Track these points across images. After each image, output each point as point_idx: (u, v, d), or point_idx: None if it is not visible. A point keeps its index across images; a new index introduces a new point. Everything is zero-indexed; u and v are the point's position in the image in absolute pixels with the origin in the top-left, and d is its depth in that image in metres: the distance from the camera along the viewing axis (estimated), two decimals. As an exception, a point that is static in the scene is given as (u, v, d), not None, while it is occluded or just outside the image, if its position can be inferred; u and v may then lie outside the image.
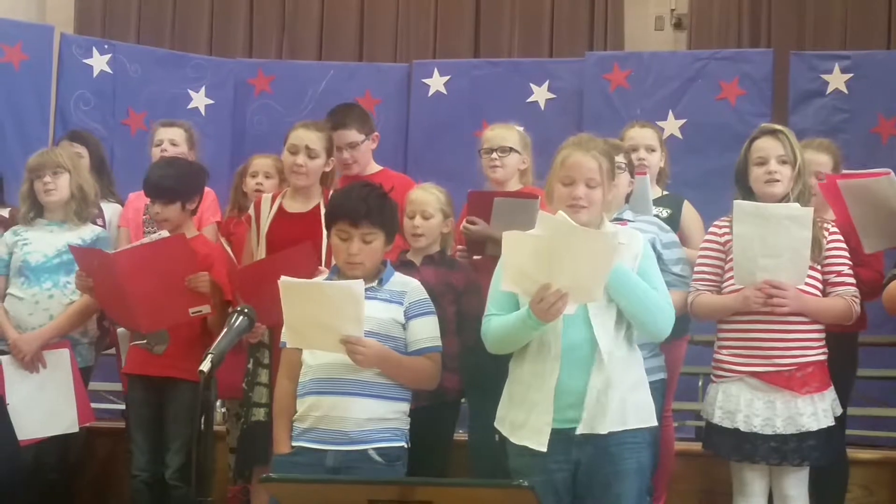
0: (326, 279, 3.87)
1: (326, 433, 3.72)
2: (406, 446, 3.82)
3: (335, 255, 3.87)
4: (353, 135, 4.91)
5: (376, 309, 3.76)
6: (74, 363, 4.76)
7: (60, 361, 4.74)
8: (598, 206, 3.61)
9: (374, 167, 5.04)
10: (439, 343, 3.88)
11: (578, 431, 3.51)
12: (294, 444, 3.79)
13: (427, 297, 3.91)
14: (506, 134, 4.76)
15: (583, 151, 3.63)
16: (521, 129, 4.86)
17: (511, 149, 4.71)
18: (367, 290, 3.73)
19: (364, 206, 3.80)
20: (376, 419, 3.74)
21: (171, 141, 5.45)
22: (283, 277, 3.69)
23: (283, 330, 3.76)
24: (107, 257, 4.56)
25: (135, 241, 5.12)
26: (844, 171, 4.45)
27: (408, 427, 3.85)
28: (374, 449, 3.72)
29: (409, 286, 3.88)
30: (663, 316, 3.63)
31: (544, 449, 3.51)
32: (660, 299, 3.61)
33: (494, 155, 4.71)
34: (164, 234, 4.58)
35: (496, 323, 3.65)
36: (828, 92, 6.62)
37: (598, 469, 3.54)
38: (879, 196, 4.17)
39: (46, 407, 4.71)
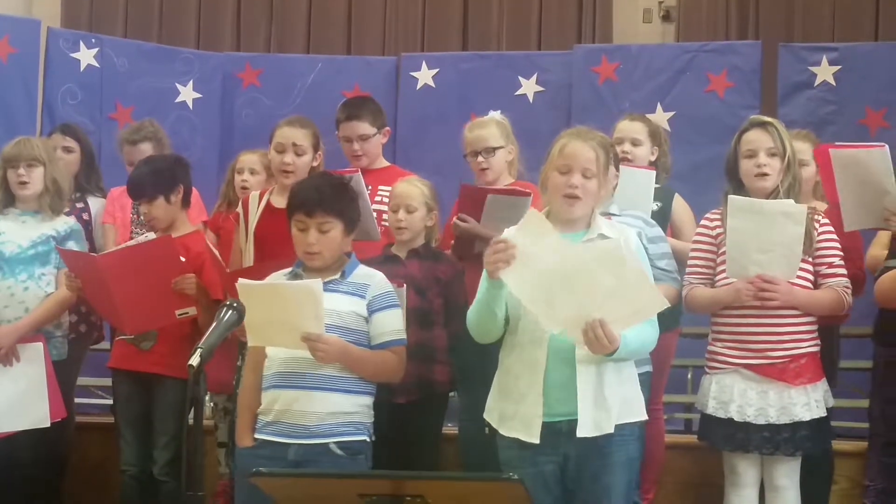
0: (290, 272, 3.87)
1: (288, 427, 3.75)
2: (369, 440, 3.83)
3: (296, 246, 3.87)
4: (365, 127, 4.90)
5: (338, 302, 3.77)
6: (48, 357, 4.70)
7: (34, 355, 4.68)
8: (592, 198, 3.59)
9: (383, 162, 5.03)
10: (404, 336, 3.89)
11: (581, 434, 3.48)
12: (257, 436, 3.82)
13: (391, 289, 3.91)
14: (485, 134, 4.70)
15: (581, 141, 3.62)
16: (498, 116, 4.81)
17: (495, 148, 4.69)
18: (328, 283, 3.77)
19: (317, 195, 3.82)
20: (338, 413, 3.76)
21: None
22: (240, 280, 3.71)
23: (246, 330, 3.75)
24: (92, 260, 4.55)
25: (121, 240, 5.12)
26: (838, 143, 4.45)
27: (371, 421, 3.86)
28: (336, 443, 3.74)
29: (372, 279, 3.88)
30: (647, 348, 3.67)
31: (536, 441, 3.49)
32: (644, 337, 3.58)
33: (480, 158, 4.69)
34: (151, 235, 4.56)
35: (473, 306, 3.64)
36: (816, 84, 6.64)
37: (587, 462, 3.52)
38: (870, 170, 4.14)
39: (18, 401, 4.64)
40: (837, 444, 4.64)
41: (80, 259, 4.62)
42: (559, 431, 3.51)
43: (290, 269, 3.89)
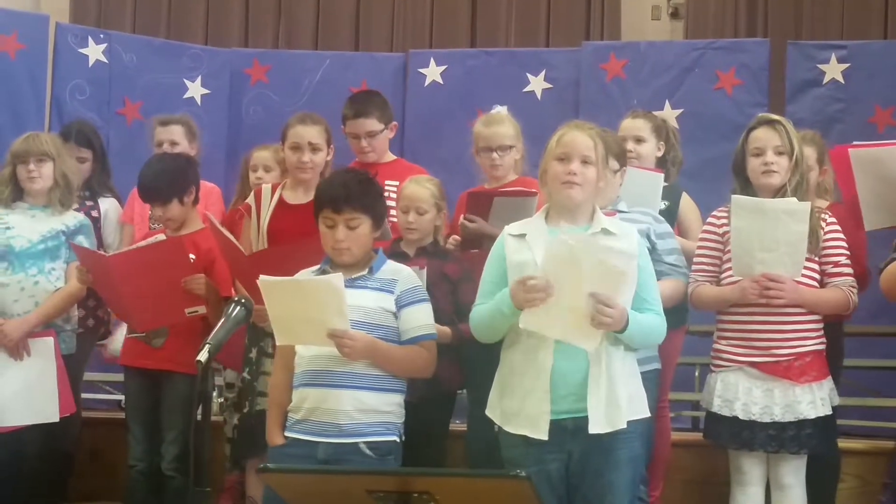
0: (318, 269, 3.86)
1: (318, 425, 3.72)
2: (399, 441, 3.81)
3: (323, 243, 3.86)
4: (373, 123, 4.91)
5: (365, 298, 3.75)
6: (58, 352, 4.73)
7: (45, 350, 4.70)
8: (591, 186, 3.60)
9: (390, 156, 5.05)
10: (434, 331, 3.88)
11: (594, 431, 3.48)
12: (287, 434, 3.79)
13: (420, 284, 3.90)
14: (502, 131, 4.69)
15: (579, 130, 3.65)
16: (504, 111, 4.81)
17: (510, 147, 4.69)
18: (356, 278, 3.76)
19: (345, 191, 3.80)
20: (369, 411, 3.72)
21: (170, 142, 5.44)
22: (262, 276, 3.68)
23: (273, 329, 3.77)
24: (102, 259, 4.57)
25: (138, 235, 5.16)
26: (856, 143, 4.44)
27: (402, 420, 3.83)
28: (366, 443, 3.71)
29: (400, 274, 3.86)
30: (657, 337, 3.68)
31: (545, 437, 3.50)
32: (654, 325, 3.62)
33: (495, 155, 4.68)
34: (161, 237, 4.58)
35: (478, 309, 3.67)
36: (825, 82, 6.62)
37: (591, 459, 3.53)
38: (891, 168, 4.13)
39: (28, 395, 4.66)
40: (846, 443, 4.65)
41: (92, 256, 4.65)
42: (564, 429, 3.52)
43: (317, 267, 3.87)
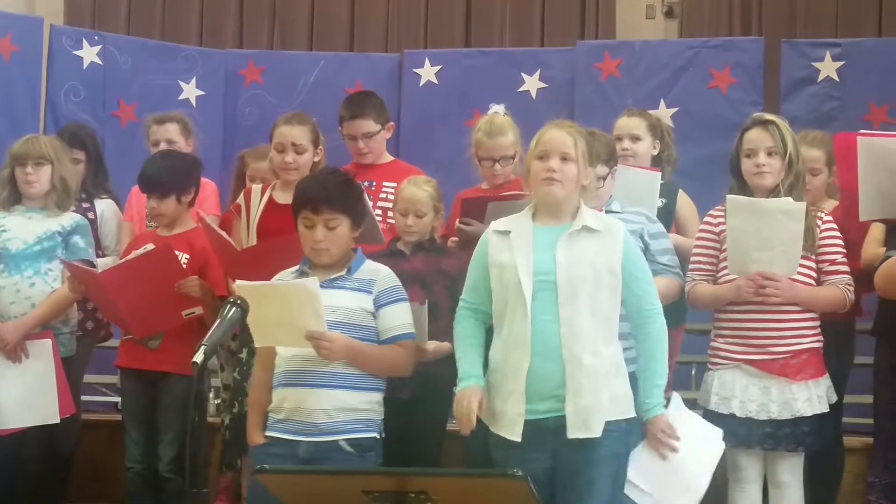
0: (297, 270, 3.87)
1: (298, 424, 3.75)
2: (378, 437, 3.83)
3: (302, 243, 3.87)
4: (369, 125, 4.91)
5: (344, 299, 3.78)
6: (57, 354, 4.73)
7: (43, 352, 4.70)
8: (572, 182, 3.63)
9: (387, 157, 5.05)
10: (412, 330, 3.90)
11: (572, 436, 3.51)
12: (268, 434, 3.82)
13: (398, 283, 3.91)
14: (505, 142, 4.66)
15: (558, 128, 3.68)
16: (508, 119, 4.79)
17: (512, 157, 4.67)
18: (334, 279, 3.79)
19: (324, 192, 3.81)
20: (347, 409, 3.75)
21: (167, 140, 5.43)
22: (238, 281, 3.71)
23: (251, 331, 3.78)
24: (93, 275, 4.57)
25: (138, 231, 5.16)
26: (864, 131, 4.43)
27: (381, 418, 3.86)
28: (346, 440, 3.74)
29: (378, 274, 3.88)
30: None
31: (518, 439, 3.54)
32: (665, 345, 3.70)
33: (497, 166, 4.67)
34: (150, 246, 4.58)
35: (458, 331, 3.77)
36: (819, 80, 6.62)
37: (573, 457, 3.56)
38: None
39: (27, 397, 4.66)
40: (845, 440, 4.65)
41: (83, 273, 4.64)
42: (546, 429, 3.54)
43: (296, 268, 3.89)
